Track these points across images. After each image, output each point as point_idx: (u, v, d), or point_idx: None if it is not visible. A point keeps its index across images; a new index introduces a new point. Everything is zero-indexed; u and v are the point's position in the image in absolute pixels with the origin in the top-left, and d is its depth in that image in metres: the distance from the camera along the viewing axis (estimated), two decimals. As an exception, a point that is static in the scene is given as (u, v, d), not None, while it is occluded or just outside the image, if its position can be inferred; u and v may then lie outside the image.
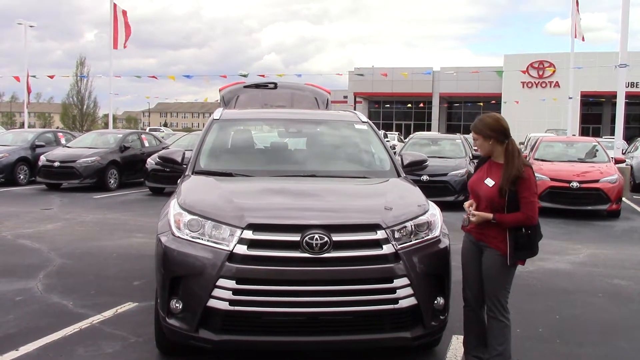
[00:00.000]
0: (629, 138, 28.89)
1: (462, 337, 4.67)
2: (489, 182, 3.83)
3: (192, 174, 4.88)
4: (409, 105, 51.75)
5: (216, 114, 5.76)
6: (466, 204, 3.99)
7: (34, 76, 29.76)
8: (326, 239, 3.63)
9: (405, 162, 5.43)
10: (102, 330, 4.77)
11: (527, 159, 4.19)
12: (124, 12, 26.26)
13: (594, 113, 50.83)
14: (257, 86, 7.46)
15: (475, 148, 15.14)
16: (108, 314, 5.17)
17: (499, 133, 3.83)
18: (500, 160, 3.86)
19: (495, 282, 3.85)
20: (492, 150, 3.88)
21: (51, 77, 30.21)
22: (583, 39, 25.54)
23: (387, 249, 3.74)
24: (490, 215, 3.77)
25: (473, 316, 4.06)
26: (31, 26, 29.83)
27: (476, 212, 3.83)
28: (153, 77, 32.05)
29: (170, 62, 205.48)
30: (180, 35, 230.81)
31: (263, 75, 27.76)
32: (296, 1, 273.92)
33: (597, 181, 11.68)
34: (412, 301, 3.74)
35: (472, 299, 4.03)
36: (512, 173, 3.72)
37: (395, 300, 3.71)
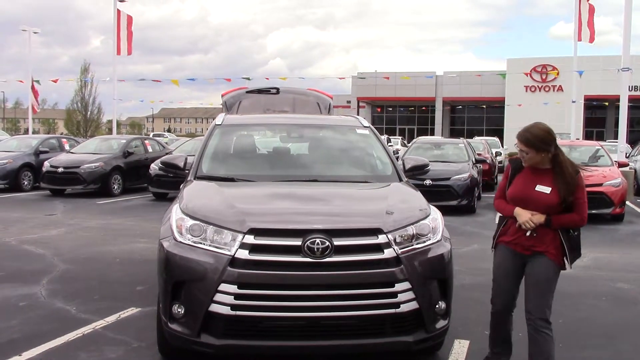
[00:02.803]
0: (632, 142, 28.87)
1: (464, 341, 4.68)
2: (544, 189, 3.76)
3: (194, 179, 4.90)
4: (412, 109, 51.69)
5: (218, 119, 5.78)
6: (526, 216, 3.75)
7: (37, 81, 29.80)
8: (327, 243, 3.64)
9: (407, 166, 5.45)
10: (105, 336, 4.79)
11: None
12: (129, 19, 26.39)
13: (598, 117, 50.67)
14: (259, 91, 7.48)
15: (480, 153, 14.95)
16: (111, 319, 5.18)
17: (551, 145, 3.78)
18: (545, 166, 3.83)
19: (546, 290, 3.77)
20: (541, 162, 3.82)
21: (55, 81, 30.12)
22: (591, 40, 24.98)
23: (388, 253, 3.75)
24: (543, 217, 3.71)
25: (502, 320, 4.03)
26: (35, 32, 30.07)
27: (533, 216, 3.72)
28: (157, 80, 32.03)
29: (176, 68, 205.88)
30: (186, 41, 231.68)
31: (267, 79, 27.97)
32: (302, 6, 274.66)
33: (600, 185, 11.65)
34: (413, 305, 3.74)
35: (503, 308, 3.98)
36: (572, 184, 3.72)
37: (396, 305, 3.71)
